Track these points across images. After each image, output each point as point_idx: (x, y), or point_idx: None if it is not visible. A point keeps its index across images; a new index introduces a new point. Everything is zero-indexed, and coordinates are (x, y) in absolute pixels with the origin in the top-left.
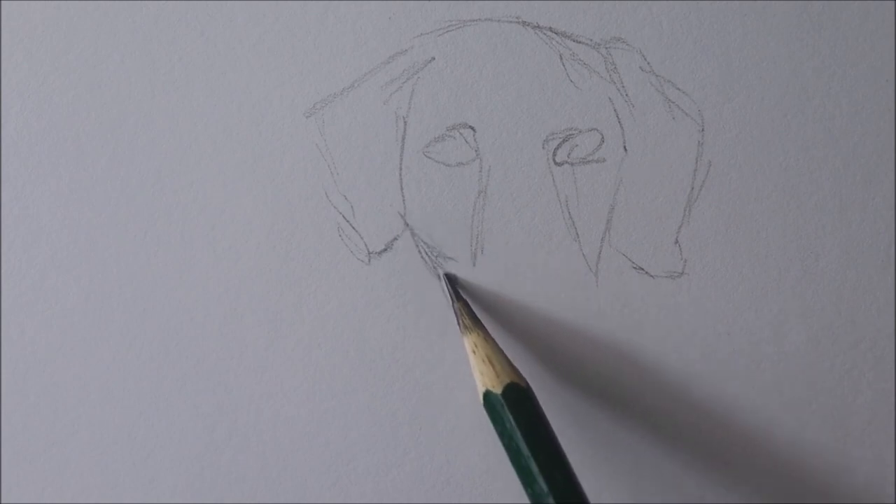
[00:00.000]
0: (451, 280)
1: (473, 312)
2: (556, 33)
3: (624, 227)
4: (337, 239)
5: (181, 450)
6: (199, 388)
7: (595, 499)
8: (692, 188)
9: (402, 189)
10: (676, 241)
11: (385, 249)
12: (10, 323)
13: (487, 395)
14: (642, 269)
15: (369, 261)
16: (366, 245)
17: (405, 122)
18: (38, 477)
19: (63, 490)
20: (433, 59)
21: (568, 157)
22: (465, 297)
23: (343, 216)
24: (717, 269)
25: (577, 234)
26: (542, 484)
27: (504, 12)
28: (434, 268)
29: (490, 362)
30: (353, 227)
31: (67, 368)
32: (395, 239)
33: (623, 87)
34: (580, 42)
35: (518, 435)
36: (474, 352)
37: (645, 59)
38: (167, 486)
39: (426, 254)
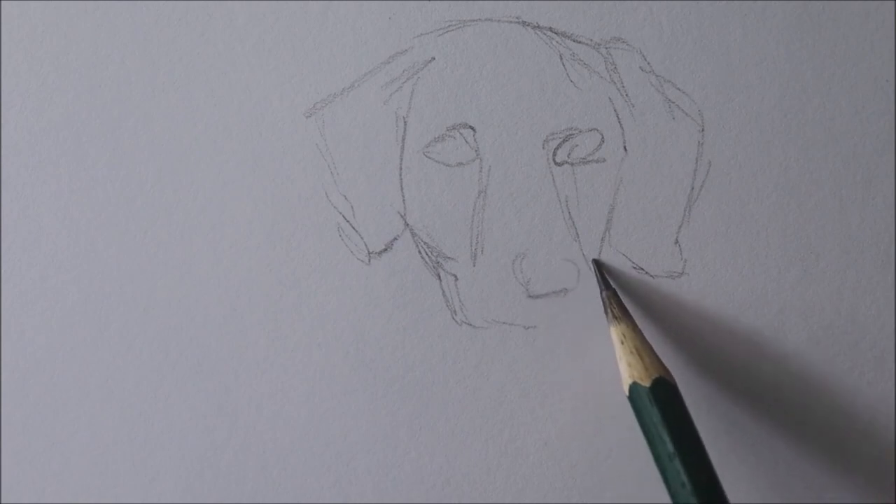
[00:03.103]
0: (600, 267)
1: (622, 302)
2: (556, 33)
3: (624, 227)
4: (337, 239)
5: (181, 450)
6: (199, 388)
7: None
8: (692, 188)
9: (402, 189)
10: (676, 241)
11: (385, 249)
12: (10, 323)
13: (635, 387)
14: (642, 269)
15: (369, 261)
16: (366, 245)
17: (405, 122)
18: (38, 477)
19: (63, 490)
20: (433, 59)
21: (568, 157)
22: (614, 285)
23: (343, 216)
24: (717, 269)
25: (577, 234)
26: (687, 482)
27: (504, 12)
28: (434, 268)
29: (639, 354)
30: (353, 227)
31: (67, 368)
32: (395, 239)
33: (623, 87)
34: (580, 42)
35: (664, 431)
36: (622, 342)
37: (645, 59)
38: (167, 486)
39: (426, 254)
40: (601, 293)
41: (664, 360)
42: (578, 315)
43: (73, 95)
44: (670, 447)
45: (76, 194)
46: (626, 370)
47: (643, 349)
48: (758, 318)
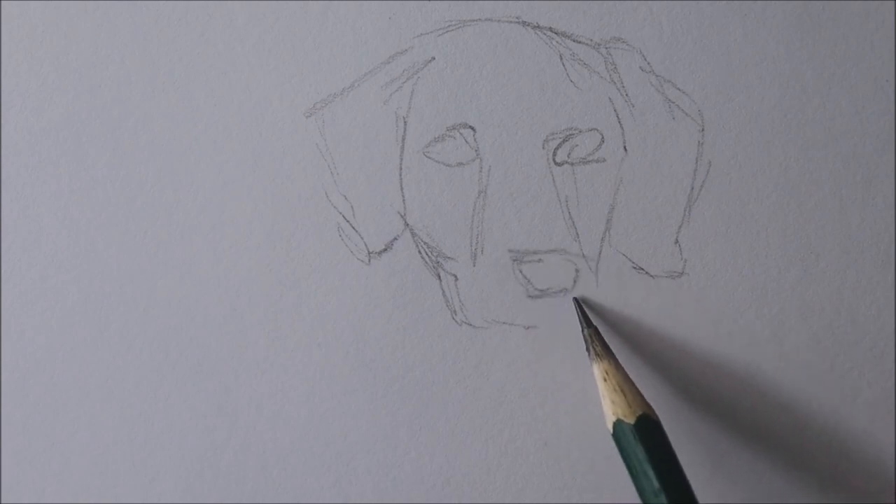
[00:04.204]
0: (581, 305)
1: (604, 339)
2: (556, 33)
3: (624, 227)
4: (337, 239)
5: (181, 450)
6: (199, 388)
7: None
8: (692, 188)
9: (402, 189)
10: (676, 241)
11: (385, 249)
12: (10, 323)
13: (619, 425)
14: (642, 269)
15: (369, 261)
16: (366, 245)
17: (405, 122)
18: (38, 477)
19: (63, 490)
20: (433, 59)
21: (568, 157)
22: (595, 323)
23: (343, 216)
24: (717, 269)
25: (577, 234)
26: None
27: (504, 12)
28: (434, 268)
29: (622, 391)
30: (353, 227)
31: (67, 368)
32: (395, 239)
33: (623, 87)
34: (580, 42)
35: (649, 467)
36: (605, 379)
37: (645, 59)
38: (167, 486)
39: (426, 254)
40: (583, 331)
41: (659, 364)
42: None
43: (73, 95)
44: (655, 483)
45: (76, 194)
46: (610, 407)
47: (626, 386)
48: (758, 318)
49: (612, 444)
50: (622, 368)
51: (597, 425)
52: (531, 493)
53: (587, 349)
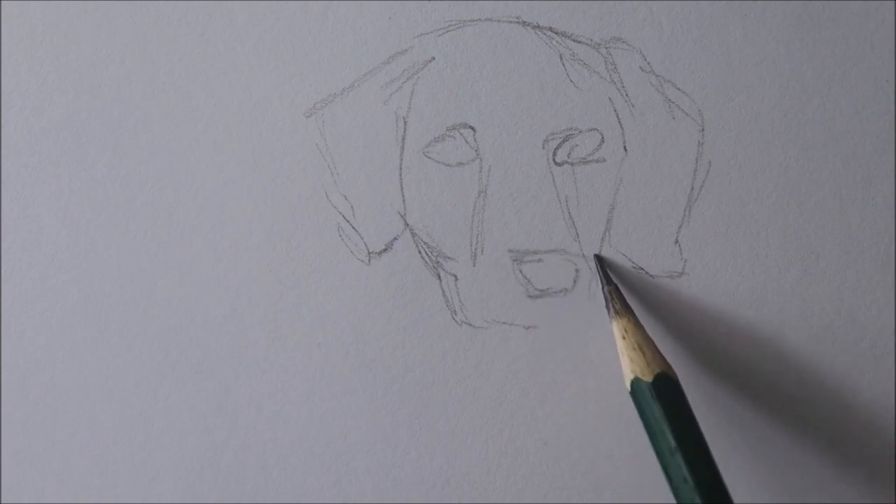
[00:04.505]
0: (602, 263)
1: (623, 297)
2: (556, 33)
3: (624, 227)
4: (337, 239)
5: (181, 450)
6: (199, 388)
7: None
8: (692, 188)
9: (402, 189)
10: (676, 241)
11: (385, 249)
12: (10, 323)
13: (636, 383)
14: (642, 269)
15: (369, 261)
16: (366, 245)
17: (405, 122)
18: (38, 477)
19: (63, 490)
20: (433, 59)
21: (568, 157)
22: (615, 280)
23: (343, 216)
24: (717, 269)
25: (577, 234)
26: (689, 477)
27: (504, 12)
28: (434, 268)
29: (641, 350)
30: (353, 227)
31: (67, 368)
32: (395, 239)
33: (623, 87)
34: (580, 42)
35: (666, 426)
36: (624, 337)
37: (645, 59)
38: (167, 486)
39: (426, 254)
40: (602, 288)
41: (666, 356)
42: (578, 315)
43: (73, 95)
44: (672, 442)
45: (76, 194)
46: (628, 365)
47: (645, 344)
48: (758, 318)
49: (613, 443)
50: (641, 326)
51: (597, 425)
52: (531, 493)
53: (606, 307)
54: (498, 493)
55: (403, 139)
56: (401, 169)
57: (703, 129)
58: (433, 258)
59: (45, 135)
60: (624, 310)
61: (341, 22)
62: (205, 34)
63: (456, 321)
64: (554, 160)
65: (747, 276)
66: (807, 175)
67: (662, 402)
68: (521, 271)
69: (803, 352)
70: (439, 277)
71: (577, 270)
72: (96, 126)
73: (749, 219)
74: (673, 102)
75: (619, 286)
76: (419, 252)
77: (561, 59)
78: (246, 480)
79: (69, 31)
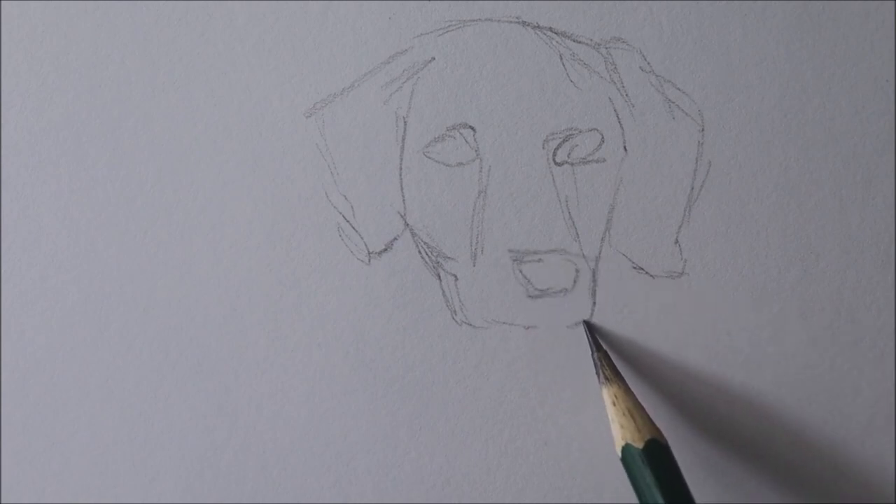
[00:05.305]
0: (591, 329)
1: (613, 364)
2: (556, 33)
3: (624, 227)
4: (337, 239)
5: (181, 450)
6: (199, 388)
7: None
8: (692, 188)
9: (402, 189)
10: (676, 241)
11: (385, 249)
12: (10, 323)
13: (627, 449)
14: (642, 269)
15: (369, 261)
16: (366, 245)
17: (405, 122)
18: (38, 477)
19: (63, 490)
20: (433, 59)
21: (568, 157)
22: (605, 347)
23: (343, 216)
24: (717, 269)
25: (577, 234)
26: None
27: (504, 12)
28: (434, 268)
29: (631, 416)
30: (353, 227)
31: (67, 368)
32: (395, 239)
33: (623, 87)
34: (580, 42)
35: (657, 492)
36: (614, 404)
37: (645, 59)
38: (167, 486)
39: (426, 254)
40: (592, 355)
41: (659, 364)
42: (578, 315)
43: (73, 95)
44: None
45: (76, 194)
46: (619, 432)
47: (635, 410)
48: (758, 318)
49: (612, 444)
50: (631, 392)
51: (597, 425)
52: (531, 493)
53: (597, 373)
54: (498, 493)
55: (403, 139)
56: (401, 169)
57: (703, 129)
58: (433, 258)
59: (45, 135)
60: (614, 376)
61: (341, 22)
62: (205, 34)
63: (456, 321)
64: (554, 160)
65: (747, 276)
66: (807, 175)
67: (653, 467)
68: (521, 271)
69: (803, 352)
70: (439, 277)
71: (577, 270)
72: (96, 126)
73: (749, 219)
74: (673, 102)
75: (609, 351)
76: (419, 252)
77: (561, 59)
78: (246, 480)
79: (69, 31)
